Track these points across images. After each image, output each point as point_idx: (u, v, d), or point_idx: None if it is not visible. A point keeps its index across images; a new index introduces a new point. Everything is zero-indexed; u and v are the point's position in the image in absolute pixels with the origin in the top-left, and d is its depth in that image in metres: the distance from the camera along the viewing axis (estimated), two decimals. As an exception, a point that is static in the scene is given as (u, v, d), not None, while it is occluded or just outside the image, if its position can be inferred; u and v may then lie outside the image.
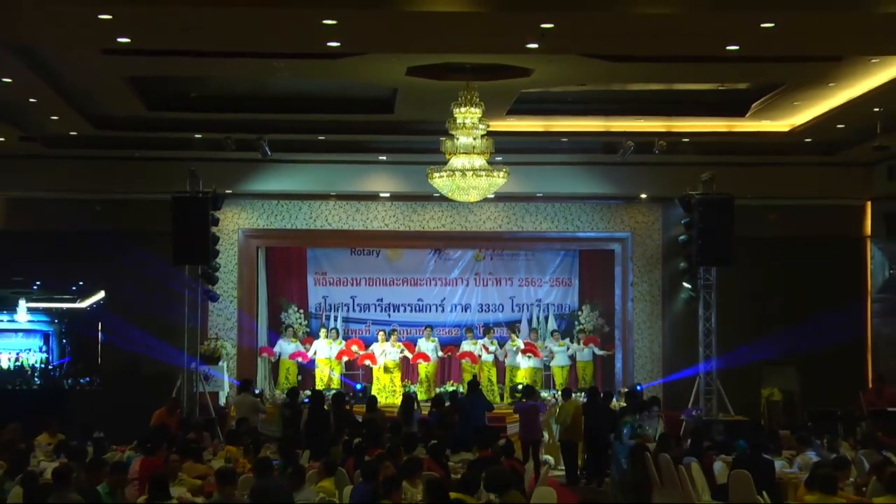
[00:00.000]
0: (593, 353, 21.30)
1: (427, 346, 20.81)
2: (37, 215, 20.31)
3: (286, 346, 20.93)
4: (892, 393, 19.34)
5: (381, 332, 21.14)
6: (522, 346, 20.71)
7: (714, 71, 15.60)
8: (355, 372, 21.12)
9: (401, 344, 20.80)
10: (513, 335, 21.17)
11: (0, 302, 17.79)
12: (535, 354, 20.66)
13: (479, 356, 20.69)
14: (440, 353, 21.02)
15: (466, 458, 13.05)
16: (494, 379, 20.74)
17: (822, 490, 9.99)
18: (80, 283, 18.58)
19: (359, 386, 20.56)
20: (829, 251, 20.80)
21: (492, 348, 20.85)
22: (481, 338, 21.20)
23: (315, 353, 20.78)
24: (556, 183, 20.42)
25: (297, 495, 10.07)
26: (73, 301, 18.03)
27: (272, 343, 21.46)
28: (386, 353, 20.56)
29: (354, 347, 20.95)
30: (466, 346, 20.89)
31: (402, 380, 20.79)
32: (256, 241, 21.48)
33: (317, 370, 20.81)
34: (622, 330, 21.61)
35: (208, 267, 18.87)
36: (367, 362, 20.59)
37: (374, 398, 17.75)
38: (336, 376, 20.74)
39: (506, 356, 20.92)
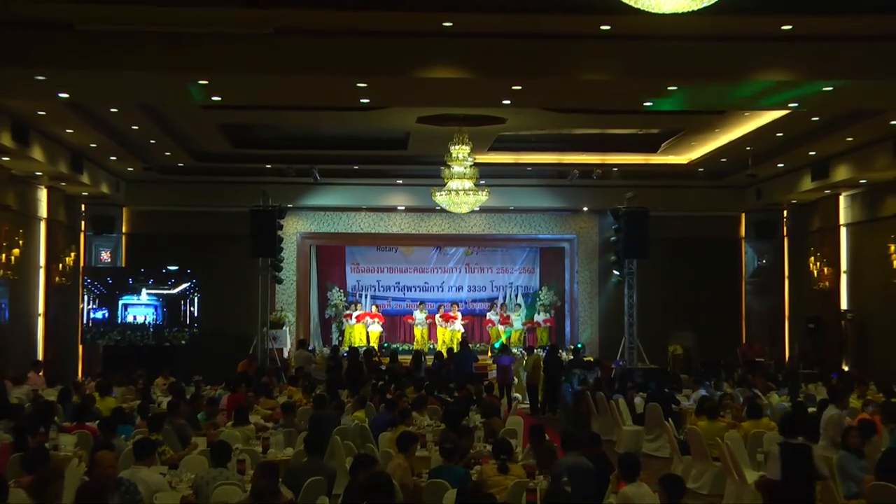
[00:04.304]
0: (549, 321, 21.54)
1: (419, 315, 20.92)
2: (154, 223, 20.29)
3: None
4: (759, 348, 19.60)
5: (376, 307, 21.44)
6: (444, 314, 20.79)
7: (634, 120, 15.68)
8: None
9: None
10: (454, 308, 21.07)
11: (131, 290, 18.46)
12: (454, 319, 20.69)
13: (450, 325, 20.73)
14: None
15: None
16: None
17: (707, 417, 10.10)
18: (185, 272, 18.95)
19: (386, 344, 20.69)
20: (715, 248, 20.88)
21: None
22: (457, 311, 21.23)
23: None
24: (523, 199, 20.41)
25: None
26: (173, 287, 18.58)
27: (322, 312, 21.77)
28: (416, 319, 20.89)
29: (368, 319, 20.99)
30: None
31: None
32: (310, 241, 21.47)
33: (350, 331, 20.96)
34: (570, 304, 21.61)
35: (275, 259, 18.88)
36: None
37: (396, 352, 17.79)
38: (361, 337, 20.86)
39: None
